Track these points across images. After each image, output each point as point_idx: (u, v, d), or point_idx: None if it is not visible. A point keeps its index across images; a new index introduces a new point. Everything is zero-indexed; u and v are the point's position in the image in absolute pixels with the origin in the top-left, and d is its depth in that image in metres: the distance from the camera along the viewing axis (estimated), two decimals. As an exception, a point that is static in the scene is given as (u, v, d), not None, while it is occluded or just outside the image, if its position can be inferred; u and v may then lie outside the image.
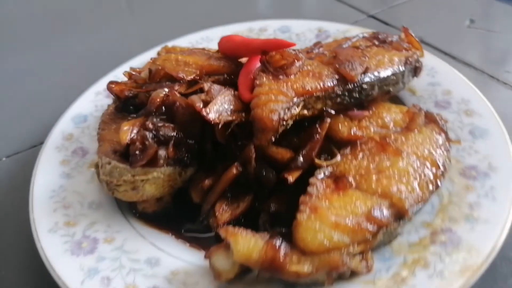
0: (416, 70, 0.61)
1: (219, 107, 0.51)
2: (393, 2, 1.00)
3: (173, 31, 0.81)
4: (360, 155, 0.51)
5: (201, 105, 0.50)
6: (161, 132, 0.51)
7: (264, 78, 0.52)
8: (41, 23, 1.15)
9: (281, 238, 0.44)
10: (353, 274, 0.45)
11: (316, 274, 0.42)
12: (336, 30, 0.80)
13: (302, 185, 0.49)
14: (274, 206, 0.52)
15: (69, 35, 1.07)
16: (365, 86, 0.54)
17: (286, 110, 0.49)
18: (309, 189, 0.47)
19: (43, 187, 0.57)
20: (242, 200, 0.53)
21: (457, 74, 0.67)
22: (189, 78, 0.57)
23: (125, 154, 0.53)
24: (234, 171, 0.52)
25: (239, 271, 0.45)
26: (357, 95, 0.54)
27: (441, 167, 0.50)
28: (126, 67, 0.74)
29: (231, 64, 0.61)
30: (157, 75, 0.59)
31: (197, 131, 0.53)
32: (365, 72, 0.53)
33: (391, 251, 0.47)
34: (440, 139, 0.53)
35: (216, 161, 0.55)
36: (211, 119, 0.50)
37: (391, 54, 0.59)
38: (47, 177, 0.58)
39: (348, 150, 0.52)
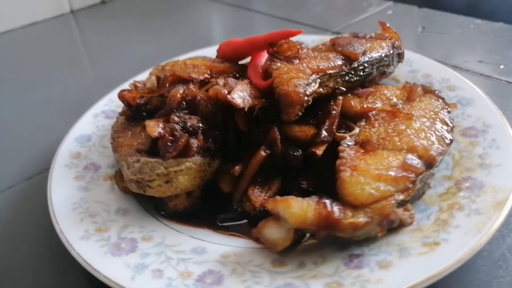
0: (400, 55, 0.68)
1: (241, 93, 0.53)
2: (352, 19, 1.11)
3: (141, 66, 0.82)
4: (376, 124, 0.55)
5: (226, 92, 0.52)
6: (188, 124, 0.52)
7: (279, 64, 0.55)
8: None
9: (330, 198, 0.45)
10: (398, 226, 0.47)
11: (371, 224, 0.44)
12: (312, 40, 0.86)
13: (326, 163, 0.52)
14: (305, 184, 0.53)
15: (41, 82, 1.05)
16: (366, 65, 0.59)
17: (307, 86, 0.52)
18: (342, 154, 0.50)
19: (62, 201, 0.54)
20: (272, 183, 0.54)
21: (430, 60, 0.75)
22: (201, 77, 0.59)
23: (149, 152, 0.53)
24: (263, 153, 0.53)
25: (294, 237, 0.45)
26: (361, 73, 0.58)
27: (449, 124, 0.55)
28: (105, 101, 0.75)
29: (234, 65, 0.64)
30: (166, 81, 0.61)
31: (220, 121, 0.55)
32: (364, 53, 0.59)
33: (425, 203, 0.50)
34: (440, 104, 0.58)
35: (239, 152, 0.56)
36: (237, 104, 0.52)
37: (378, 42, 0.65)
38: (64, 192, 0.56)
39: (363, 122, 0.55)
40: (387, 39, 0.67)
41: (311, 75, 0.53)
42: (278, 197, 0.46)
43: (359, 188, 0.45)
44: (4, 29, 1.39)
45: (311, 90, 0.52)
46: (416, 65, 0.75)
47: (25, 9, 1.41)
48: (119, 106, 0.72)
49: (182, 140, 0.50)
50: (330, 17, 1.21)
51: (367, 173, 0.46)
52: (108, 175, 0.60)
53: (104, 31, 1.35)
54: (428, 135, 0.52)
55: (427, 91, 0.61)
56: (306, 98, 0.52)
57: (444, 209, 0.48)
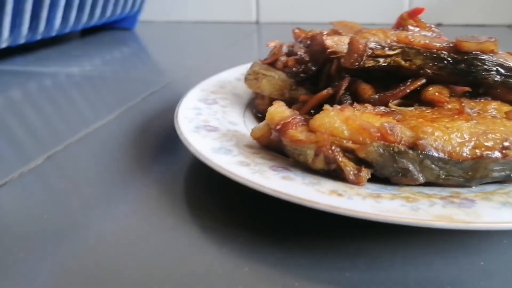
0: None
1: (339, 41, 0.62)
2: None
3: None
4: (429, 111, 0.50)
5: (326, 34, 0.63)
6: (294, 50, 0.66)
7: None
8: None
9: (304, 117, 0.50)
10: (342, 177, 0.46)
11: (306, 146, 0.47)
12: None
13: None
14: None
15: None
16: (477, 62, 0.52)
17: (379, 45, 0.55)
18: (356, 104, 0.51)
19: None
20: (319, 121, 0.61)
21: None
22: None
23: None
24: (325, 92, 0.60)
25: (266, 133, 0.53)
26: (465, 68, 0.52)
27: (502, 147, 0.43)
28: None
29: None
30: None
31: (321, 61, 0.65)
32: (482, 51, 0.52)
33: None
34: (533, 132, 0.45)
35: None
36: (326, 44, 0.61)
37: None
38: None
39: (423, 108, 0.52)
40: None
41: (396, 42, 0.55)
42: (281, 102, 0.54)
43: (321, 117, 0.48)
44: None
45: (380, 51, 0.54)
46: None
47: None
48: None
49: (276, 54, 0.65)
50: None
51: (341, 114, 0.47)
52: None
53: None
54: (456, 133, 0.44)
55: (541, 119, 0.47)
56: (371, 53, 0.54)
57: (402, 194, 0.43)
